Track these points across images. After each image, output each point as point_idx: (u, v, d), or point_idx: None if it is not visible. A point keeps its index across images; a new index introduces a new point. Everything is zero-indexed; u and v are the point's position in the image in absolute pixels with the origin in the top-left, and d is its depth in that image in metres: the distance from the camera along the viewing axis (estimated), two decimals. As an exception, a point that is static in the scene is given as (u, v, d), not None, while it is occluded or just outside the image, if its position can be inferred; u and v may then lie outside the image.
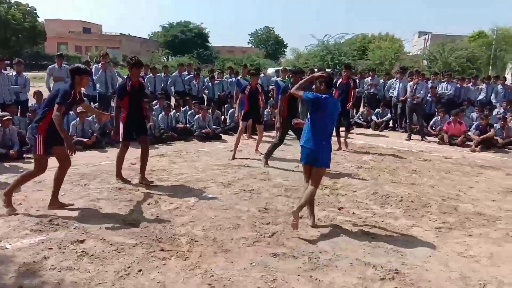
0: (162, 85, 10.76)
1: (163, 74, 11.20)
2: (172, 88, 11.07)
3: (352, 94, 8.40)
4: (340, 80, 8.67)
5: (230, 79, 11.75)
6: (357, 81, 11.12)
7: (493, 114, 10.50)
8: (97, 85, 9.17)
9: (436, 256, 3.61)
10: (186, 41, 55.09)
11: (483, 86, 11.85)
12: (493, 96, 11.41)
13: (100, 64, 9.27)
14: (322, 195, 5.20)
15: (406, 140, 9.96)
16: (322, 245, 3.77)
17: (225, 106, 11.08)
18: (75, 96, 4.41)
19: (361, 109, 12.78)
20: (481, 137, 9.02)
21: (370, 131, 11.35)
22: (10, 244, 3.56)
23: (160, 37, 58.91)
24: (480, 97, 11.62)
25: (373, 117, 11.83)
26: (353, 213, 4.67)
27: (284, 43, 66.89)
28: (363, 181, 6.04)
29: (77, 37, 55.07)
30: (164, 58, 45.21)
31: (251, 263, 3.37)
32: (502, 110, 10.55)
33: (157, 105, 9.40)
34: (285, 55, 63.96)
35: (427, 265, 3.43)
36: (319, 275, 3.22)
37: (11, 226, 3.94)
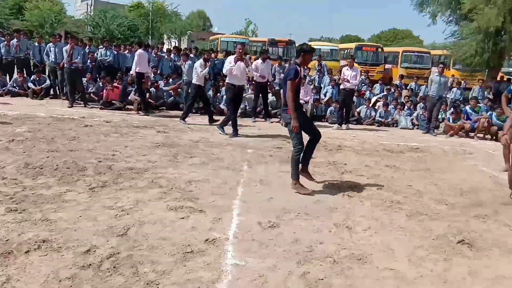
0: None
1: None
2: None
3: None
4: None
5: None
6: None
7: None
8: None
9: (86, 214, 3.75)
10: None
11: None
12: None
13: None
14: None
15: (68, 107, 9.72)
16: None
17: None
18: None
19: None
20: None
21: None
22: None
23: None
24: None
25: (30, 84, 10.71)
26: (-1, 191, 4.14)
27: None
28: (13, 155, 5.44)
29: None
30: None
31: None
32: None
33: None
34: None
35: (75, 226, 3.51)
36: None
37: None
